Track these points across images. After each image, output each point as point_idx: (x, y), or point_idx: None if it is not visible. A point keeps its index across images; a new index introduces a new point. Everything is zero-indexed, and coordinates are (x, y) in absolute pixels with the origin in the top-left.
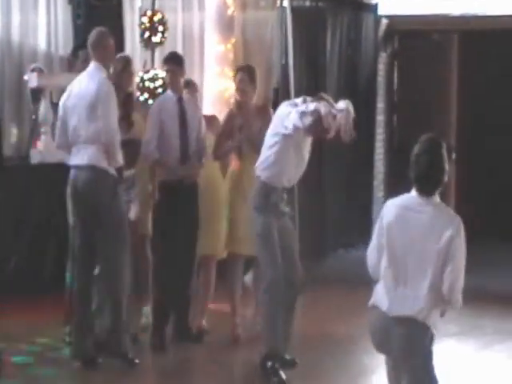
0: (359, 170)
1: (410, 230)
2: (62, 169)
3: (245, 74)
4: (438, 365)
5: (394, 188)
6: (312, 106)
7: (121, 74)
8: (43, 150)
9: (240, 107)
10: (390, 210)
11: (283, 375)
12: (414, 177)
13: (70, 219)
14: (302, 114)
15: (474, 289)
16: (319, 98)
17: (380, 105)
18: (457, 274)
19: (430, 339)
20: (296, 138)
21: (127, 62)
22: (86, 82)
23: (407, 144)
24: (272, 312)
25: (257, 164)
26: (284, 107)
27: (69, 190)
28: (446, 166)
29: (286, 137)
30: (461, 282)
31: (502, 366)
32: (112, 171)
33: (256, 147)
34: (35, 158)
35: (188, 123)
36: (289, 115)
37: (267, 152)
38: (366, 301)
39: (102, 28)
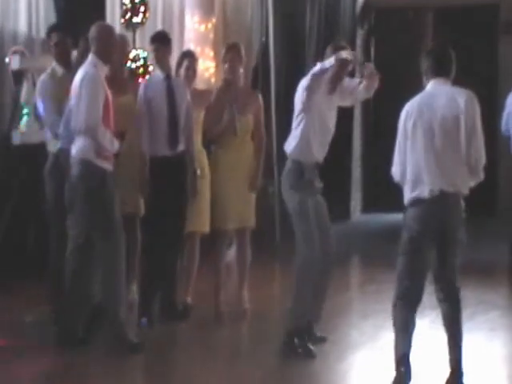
0: (338, 148)
1: (435, 112)
2: (44, 149)
3: (235, 52)
4: (421, 337)
5: (372, 167)
6: (331, 59)
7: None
8: (25, 130)
9: (229, 85)
10: (411, 107)
11: (313, 351)
12: (430, 65)
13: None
14: (320, 73)
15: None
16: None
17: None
18: (479, 148)
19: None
20: (318, 109)
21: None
22: (78, 74)
23: (382, 118)
24: (303, 288)
25: (285, 145)
26: (303, 81)
27: (47, 169)
28: (452, 54)
29: (308, 109)
30: (483, 155)
31: (485, 337)
32: (100, 164)
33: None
34: (17, 138)
35: (176, 102)
36: (304, 83)
37: (294, 132)
38: (356, 275)
39: (104, 23)
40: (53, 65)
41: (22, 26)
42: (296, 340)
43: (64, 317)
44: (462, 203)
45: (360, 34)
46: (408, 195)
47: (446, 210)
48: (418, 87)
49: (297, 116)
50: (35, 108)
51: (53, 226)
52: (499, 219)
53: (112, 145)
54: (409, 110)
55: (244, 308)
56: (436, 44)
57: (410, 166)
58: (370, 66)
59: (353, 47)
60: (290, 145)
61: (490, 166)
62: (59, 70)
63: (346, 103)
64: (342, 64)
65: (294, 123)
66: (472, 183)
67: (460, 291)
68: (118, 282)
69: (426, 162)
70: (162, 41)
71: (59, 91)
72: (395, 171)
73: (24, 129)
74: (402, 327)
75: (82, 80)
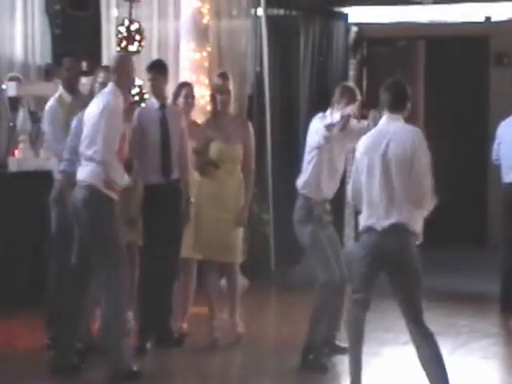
0: None
1: (386, 148)
2: (39, 176)
3: (226, 82)
4: (414, 364)
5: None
6: (337, 115)
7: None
8: (21, 157)
9: (217, 117)
10: (365, 142)
11: (326, 364)
12: (386, 100)
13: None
14: (330, 126)
15: (448, 290)
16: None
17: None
18: (421, 179)
19: (415, 243)
20: (329, 151)
21: None
22: (97, 102)
23: None
24: (319, 310)
25: (297, 181)
26: (315, 122)
27: (53, 196)
28: (409, 91)
29: (319, 151)
30: (426, 186)
31: (478, 365)
32: (107, 192)
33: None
34: (13, 165)
35: (170, 131)
36: (319, 131)
37: (305, 167)
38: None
39: (123, 53)
40: (60, 91)
41: (18, 53)
42: (311, 356)
43: (60, 342)
44: (414, 236)
45: (352, 64)
46: (362, 223)
47: (396, 243)
48: (410, 113)
49: (309, 153)
50: (31, 135)
51: (54, 252)
52: (490, 249)
53: (122, 179)
54: (363, 145)
55: (238, 333)
56: (393, 80)
57: (365, 198)
58: (376, 115)
59: (345, 77)
60: (300, 181)
61: (480, 195)
62: (67, 97)
63: (356, 144)
64: (347, 119)
65: (306, 158)
66: (422, 216)
67: (433, 334)
68: (119, 310)
69: (379, 197)
70: (158, 69)
71: (68, 118)
72: (348, 190)
73: (20, 156)
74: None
75: (104, 110)
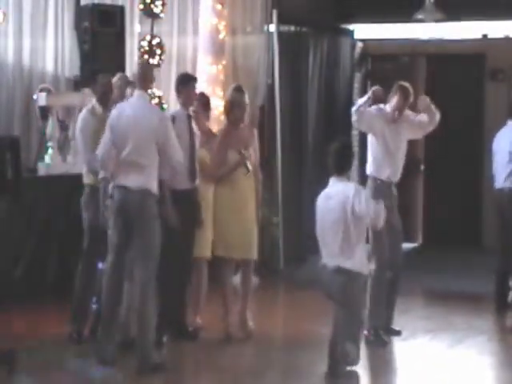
0: None
1: (328, 207)
2: (66, 180)
3: (243, 96)
4: (413, 359)
5: None
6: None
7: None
8: (49, 163)
9: (233, 127)
10: (319, 200)
11: (387, 339)
12: (331, 165)
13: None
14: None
15: (446, 289)
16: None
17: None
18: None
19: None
20: (382, 136)
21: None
22: (145, 112)
23: None
24: (376, 293)
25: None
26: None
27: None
28: (352, 154)
29: (375, 136)
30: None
31: (474, 361)
32: (157, 194)
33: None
34: (42, 170)
35: (195, 139)
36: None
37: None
38: None
39: (145, 61)
40: (93, 102)
41: (49, 66)
42: (373, 334)
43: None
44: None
45: (358, 77)
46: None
47: (341, 282)
48: None
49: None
50: (59, 141)
51: (86, 252)
52: (485, 251)
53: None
54: (317, 202)
55: (249, 328)
56: (336, 145)
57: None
58: (425, 100)
59: (351, 89)
60: (367, 164)
61: (475, 200)
62: (98, 109)
63: (418, 136)
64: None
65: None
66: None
67: None
68: (151, 308)
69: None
70: (193, 80)
71: (99, 129)
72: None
73: (49, 161)
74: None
75: (164, 123)
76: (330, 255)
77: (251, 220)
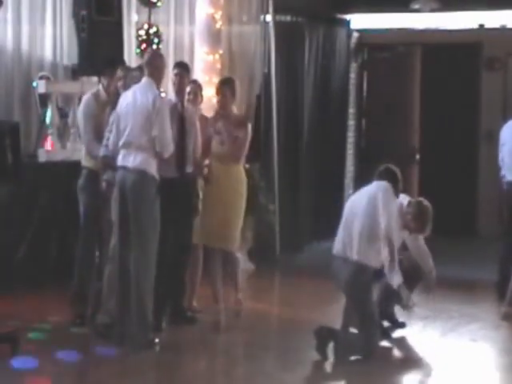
0: (332, 170)
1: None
2: (66, 166)
3: (227, 88)
4: (408, 346)
5: (362, 185)
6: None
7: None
8: (49, 149)
9: (220, 117)
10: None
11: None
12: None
13: (82, 210)
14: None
15: (441, 277)
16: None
17: (351, 110)
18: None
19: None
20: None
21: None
22: (143, 94)
23: (372, 145)
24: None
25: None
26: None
27: (80, 184)
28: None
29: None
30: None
31: (467, 347)
32: (157, 177)
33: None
34: (42, 156)
35: (186, 128)
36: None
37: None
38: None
39: (155, 50)
40: (99, 87)
41: (48, 54)
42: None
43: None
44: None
45: (353, 67)
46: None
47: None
48: (405, 114)
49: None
50: (58, 128)
51: (82, 236)
52: (479, 240)
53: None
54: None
55: (238, 309)
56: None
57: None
58: (431, 279)
59: (347, 78)
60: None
61: (470, 189)
62: (103, 95)
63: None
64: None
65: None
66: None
67: None
68: (148, 288)
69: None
70: (184, 67)
71: (99, 114)
72: None
73: (48, 147)
74: None
75: (159, 104)
76: (342, 241)
77: (231, 211)
